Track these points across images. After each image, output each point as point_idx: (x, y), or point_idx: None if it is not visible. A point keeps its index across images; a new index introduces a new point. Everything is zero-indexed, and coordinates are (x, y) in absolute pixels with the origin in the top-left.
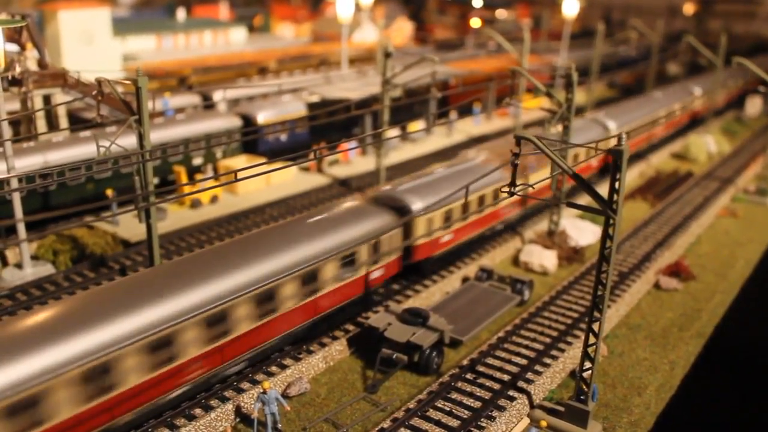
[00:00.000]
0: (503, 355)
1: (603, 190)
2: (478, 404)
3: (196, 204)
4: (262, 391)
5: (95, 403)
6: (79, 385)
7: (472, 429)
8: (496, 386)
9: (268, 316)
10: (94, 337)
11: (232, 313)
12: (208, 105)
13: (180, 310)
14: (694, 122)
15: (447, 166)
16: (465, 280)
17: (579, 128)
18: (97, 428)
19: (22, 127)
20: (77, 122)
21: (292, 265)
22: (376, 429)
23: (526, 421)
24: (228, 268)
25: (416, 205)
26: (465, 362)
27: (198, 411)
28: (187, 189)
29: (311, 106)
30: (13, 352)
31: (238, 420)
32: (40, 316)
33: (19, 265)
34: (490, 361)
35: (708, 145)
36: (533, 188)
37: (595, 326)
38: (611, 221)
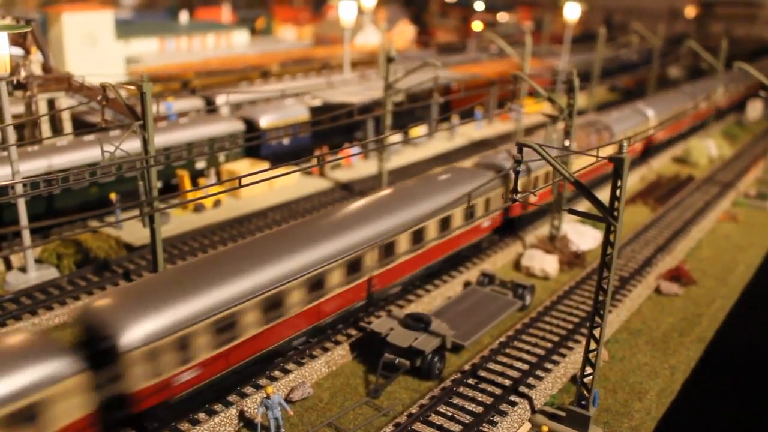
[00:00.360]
0: (505, 360)
1: (604, 194)
2: (479, 409)
3: (199, 208)
4: (265, 395)
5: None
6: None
7: None
8: (498, 391)
9: (416, 251)
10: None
11: (397, 244)
12: (211, 109)
13: (396, 225)
14: (719, 114)
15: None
16: (466, 284)
17: (624, 116)
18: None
19: (26, 130)
20: (81, 126)
21: (435, 210)
22: None
23: (527, 425)
24: (393, 212)
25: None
26: (467, 367)
27: (202, 415)
28: (190, 194)
29: (314, 111)
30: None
31: (241, 425)
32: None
33: (23, 269)
34: (491, 366)
35: (709, 149)
36: (535, 195)
37: (597, 332)
38: (612, 228)
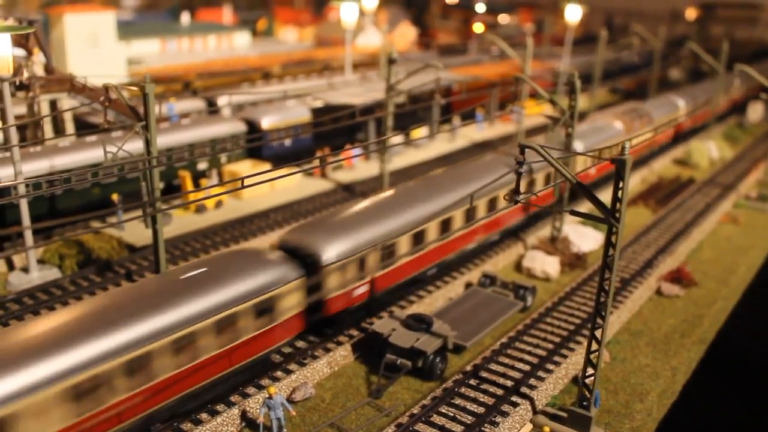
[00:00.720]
0: (506, 360)
1: (606, 196)
2: (481, 410)
3: (200, 209)
4: (267, 395)
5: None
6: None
7: None
8: (500, 392)
9: (508, 208)
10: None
11: (497, 200)
12: (213, 110)
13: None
14: (735, 108)
15: (588, 123)
16: (468, 285)
17: (658, 105)
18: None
19: (28, 131)
20: (83, 127)
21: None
22: None
23: (529, 426)
24: (492, 175)
25: (579, 146)
26: (468, 368)
27: (204, 416)
28: (192, 195)
29: (315, 112)
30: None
31: (243, 425)
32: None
33: (25, 270)
34: (493, 366)
35: (710, 151)
36: (537, 195)
37: (598, 333)
38: (614, 229)
